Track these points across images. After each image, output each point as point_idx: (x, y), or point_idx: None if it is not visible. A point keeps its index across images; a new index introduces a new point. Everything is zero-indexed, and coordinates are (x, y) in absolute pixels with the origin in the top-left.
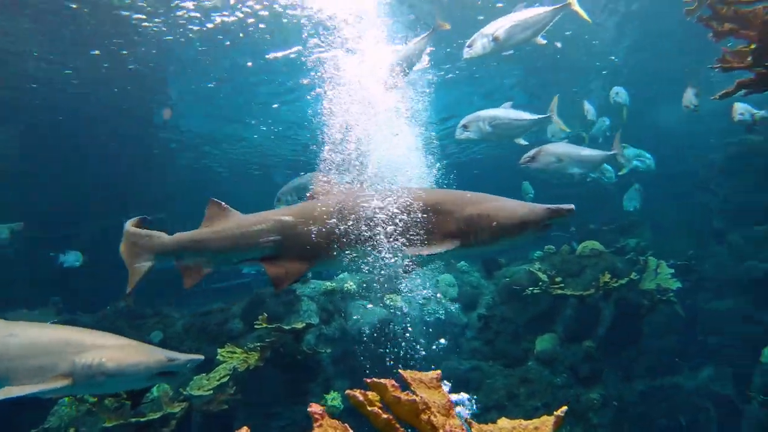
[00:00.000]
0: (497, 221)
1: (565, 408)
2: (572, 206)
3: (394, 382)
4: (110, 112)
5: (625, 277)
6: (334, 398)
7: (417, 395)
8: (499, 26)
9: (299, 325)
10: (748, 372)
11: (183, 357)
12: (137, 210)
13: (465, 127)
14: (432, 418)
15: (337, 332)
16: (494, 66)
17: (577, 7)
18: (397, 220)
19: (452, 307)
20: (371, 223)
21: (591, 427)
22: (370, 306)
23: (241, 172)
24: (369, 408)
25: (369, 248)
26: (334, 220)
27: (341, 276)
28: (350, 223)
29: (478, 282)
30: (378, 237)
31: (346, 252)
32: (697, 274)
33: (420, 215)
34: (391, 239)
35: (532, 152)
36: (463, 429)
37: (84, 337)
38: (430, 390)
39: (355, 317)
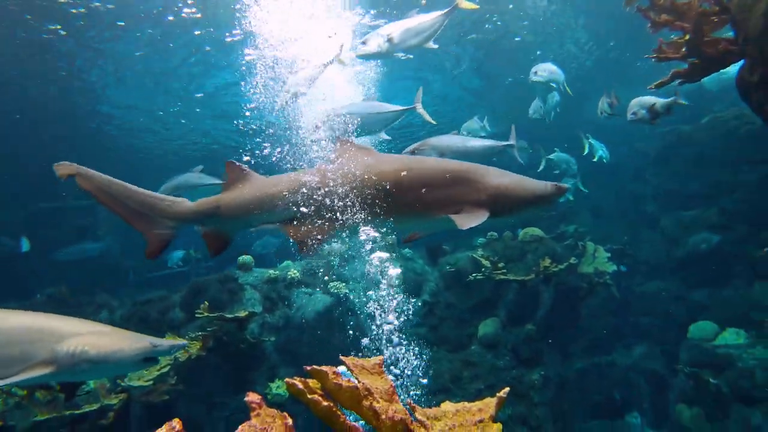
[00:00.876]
0: (519, 194)
1: (507, 389)
2: (569, 186)
3: (335, 369)
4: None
5: (564, 261)
6: (279, 386)
7: (359, 381)
8: (395, 29)
9: (242, 314)
10: (675, 349)
11: (166, 343)
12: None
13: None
14: (374, 404)
15: (281, 320)
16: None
17: (465, 5)
18: (424, 187)
19: (396, 293)
20: (398, 189)
21: (533, 406)
22: (314, 293)
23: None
24: (309, 396)
25: (394, 215)
26: (359, 184)
27: (285, 264)
28: (375, 188)
29: (422, 269)
30: (405, 203)
31: (370, 218)
32: (631, 258)
33: (447, 183)
34: (418, 206)
35: (414, 146)
36: (406, 414)
37: (61, 324)
38: (372, 376)
39: (299, 305)
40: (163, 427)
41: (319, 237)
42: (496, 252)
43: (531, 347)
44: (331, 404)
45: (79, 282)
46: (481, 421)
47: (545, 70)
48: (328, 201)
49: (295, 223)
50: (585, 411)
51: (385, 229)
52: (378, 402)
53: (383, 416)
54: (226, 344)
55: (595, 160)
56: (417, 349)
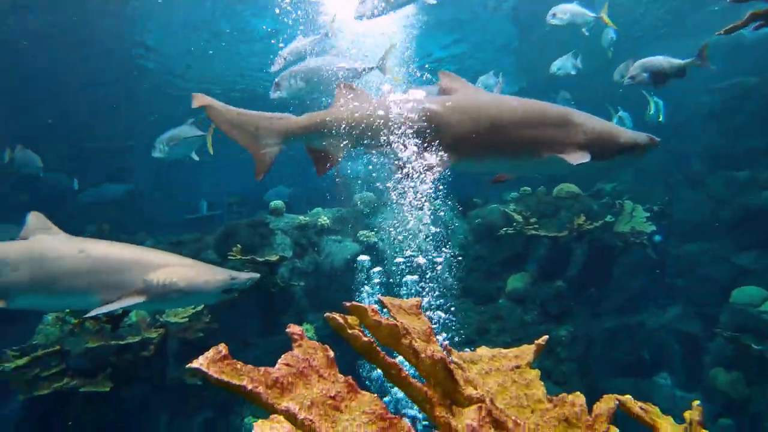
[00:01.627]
0: (617, 140)
1: (546, 337)
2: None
3: (374, 306)
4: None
5: (600, 219)
6: (307, 330)
7: (397, 320)
8: None
9: (273, 258)
10: (714, 312)
11: (243, 275)
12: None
13: (278, 85)
14: (414, 342)
15: (310, 266)
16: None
17: None
18: (532, 127)
19: (426, 245)
20: (511, 127)
21: (559, 361)
22: (344, 241)
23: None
24: (350, 331)
25: (502, 152)
26: (474, 117)
27: (315, 210)
28: (490, 124)
29: (452, 221)
30: (516, 141)
31: (489, 151)
32: (670, 219)
33: (552, 124)
34: (526, 145)
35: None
36: (443, 353)
37: (152, 256)
38: (410, 316)
39: (328, 252)
40: (210, 350)
41: (439, 166)
42: (529, 207)
43: (560, 304)
44: (371, 340)
45: (119, 221)
46: (518, 367)
47: (565, 12)
48: (451, 129)
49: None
50: (612, 369)
51: (484, 167)
52: (416, 341)
53: (422, 354)
54: (256, 287)
55: (661, 120)
56: (444, 300)
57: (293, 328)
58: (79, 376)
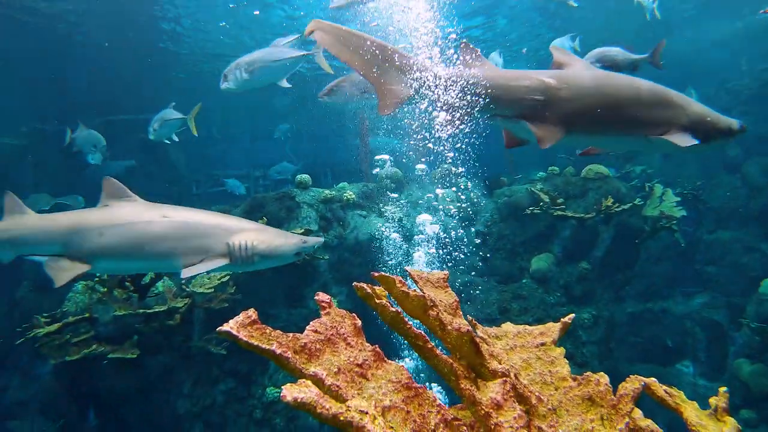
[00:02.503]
0: (717, 124)
1: (572, 315)
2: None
3: (401, 278)
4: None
5: (628, 202)
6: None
7: (424, 292)
8: None
9: (299, 231)
10: (742, 302)
11: (312, 240)
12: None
13: (225, 76)
14: (440, 314)
15: (335, 240)
16: None
17: None
18: (645, 107)
19: (451, 222)
20: (630, 104)
21: (580, 344)
22: (369, 216)
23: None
24: (377, 301)
25: (612, 130)
26: (594, 93)
27: (341, 185)
28: (608, 100)
29: (478, 199)
30: (627, 120)
31: (601, 128)
32: (703, 204)
33: (660, 104)
34: (636, 124)
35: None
36: (469, 326)
37: (231, 221)
38: (436, 289)
39: (353, 226)
40: (240, 314)
41: (552, 138)
42: (556, 187)
43: (583, 286)
44: (399, 310)
45: (149, 193)
46: (542, 344)
47: None
48: (565, 104)
49: (534, 119)
50: (634, 354)
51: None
52: (443, 314)
53: (449, 327)
54: None
55: None
56: (467, 277)
57: (322, 296)
58: (107, 342)
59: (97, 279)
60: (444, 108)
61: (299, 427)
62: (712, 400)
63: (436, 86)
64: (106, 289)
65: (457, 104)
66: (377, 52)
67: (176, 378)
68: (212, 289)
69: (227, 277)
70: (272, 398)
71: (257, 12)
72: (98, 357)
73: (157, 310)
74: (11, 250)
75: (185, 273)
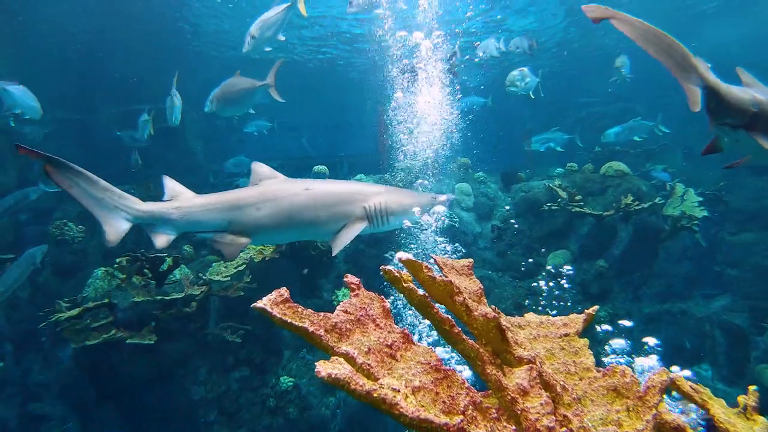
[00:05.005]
0: None
1: (596, 307)
2: None
3: (427, 264)
4: None
5: (648, 201)
6: (344, 294)
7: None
8: None
9: None
10: (765, 305)
11: (441, 197)
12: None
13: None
14: (467, 300)
15: None
16: None
17: None
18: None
19: (467, 216)
20: None
21: (596, 343)
22: None
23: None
24: (405, 284)
25: None
26: None
27: (358, 177)
28: None
29: (495, 193)
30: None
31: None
32: (725, 205)
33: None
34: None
35: None
36: (495, 314)
37: (364, 187)
38: (461, 276)
39: None
40: (273, 292)
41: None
42: (575, 183)
43: (600, 284)
44: (425, 295)
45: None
46: (566, 335)
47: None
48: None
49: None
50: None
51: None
52: (469, 300)
53: (475, 312)
54: (297, 249)
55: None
56: (482, 271)
57: (351, 278)
58: (125, 328)
59: (116, 265)
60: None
61: (312, 416)
62: (741, 399)
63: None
64: (125, 276)
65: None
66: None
67: (192, 365)
68: (228, 278)
69: (243, 266)
70: (286, 388)
71: None
72: (117, 342)
73: (174, 297)
74: (177, 229)
75: (336, 247)
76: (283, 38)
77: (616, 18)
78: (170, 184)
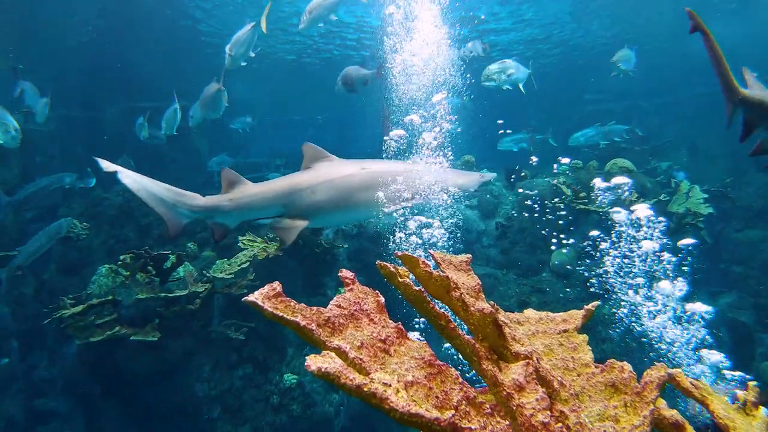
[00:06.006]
0: None
1: (596, 303)
2: None
3: (424, 260)
4: None
5: (653, 197)
6: None
7: (448, 274)
8: None
9: None
10: None
11: (488, 175)
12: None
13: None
14: (463, 295)
15: (354, 229)
16: None
17: None
18: None
19: (471, 214)
20: None
21: (599, 340)
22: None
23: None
24: (400, 279)
25: None
26: None
27: None
28: None
29: (499, 191)
30: None
31: None
32: (731, 202)
33: None
34: None
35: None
36: (492, 309)
37: (417, 167)
38: (459, 272)
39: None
40: (265, 286)
41: None
42: (579, 181)
43: (604, 281)
44: (421, 290)
45: (174, 179)
46: (565, 331)
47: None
48: None
49: None
50: (654, 353)
51: None
52: (466, 295)
53: (472, 308)
54: (301, 247)
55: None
56: (486, 269)
57: (345, 273)
58: (129, 325)
59: (120, 263)
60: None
61: (315, 414)
62: (741, 394)
63: None
64: (129, 273)
65: None
66: None
67: (196, 362)
68: (232, 275)
69: (247, 264)
70: (289, 385)
71: None
72: (121, 339)
73: (178, 294)
74: (238, 217)
75: (387, 209)
76: (253, 54)
77: (707, 36)
78: (228, 176)
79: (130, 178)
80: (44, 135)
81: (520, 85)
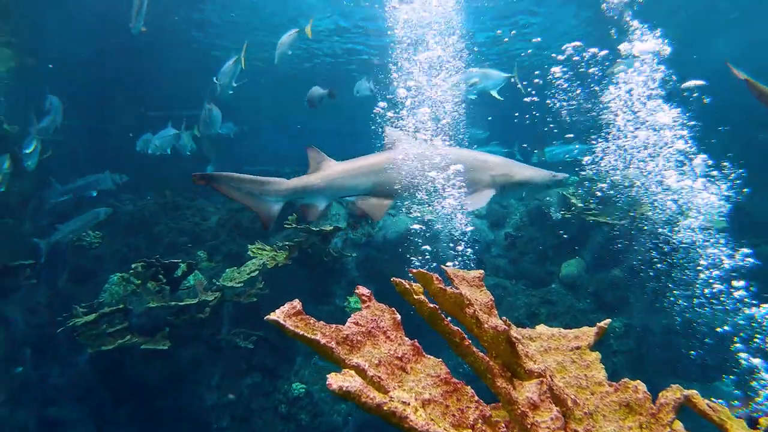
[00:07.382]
0: None
1: (608, 321)
2: None
3: (438, 275)
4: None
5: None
6: (356, 301)
7: (461, 290)
8: None
9: (327, 228)
10: None
11: (561, 175)
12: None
13: None
14: (477, 312)
15: (363, 238)
16: None
17: None
18: None
19: (480, 224)
20: None
21: (611, 353)
22: (397, 215)
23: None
24: (415, 296)
25: None
26: None
27: None
28: None
29: (508, 201)
30: None
31: None
32: (749, 217)
33: None
34: None
35: None
36: (505, 326)
37: (490, 158)
38: (472, 288)
39: (381, 225)
40: (286, 305)
41: None
42: (589, 191)
43: (615, 293)
44: (436, 307)
45: (182, 188)
46: (578, 348)
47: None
48: None
49: None
50: (668, 368)
51: None
52: (479, 312)
53: (486, 325)
54: (310, 256)
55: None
56: (494, 279)
57: (362, 290)
58: (140, 333)
59: (131, 271)
60: None
61: (323, 423)
62: (763, 421)
63: None
64: (140, 281)
65: None
66: None
67: (205, 370)
68: (242, 284)
69: (256, 272)
70: (298, 394)
71: None
72: (132, 347)
73: (188, 302)
74: (325, 197)
75: (471, 207)
76: (235, 84)
77: (751, 83)
78: (314, 155)
79: (219, 183)
80: (54, 145)
81: (494, 92)
